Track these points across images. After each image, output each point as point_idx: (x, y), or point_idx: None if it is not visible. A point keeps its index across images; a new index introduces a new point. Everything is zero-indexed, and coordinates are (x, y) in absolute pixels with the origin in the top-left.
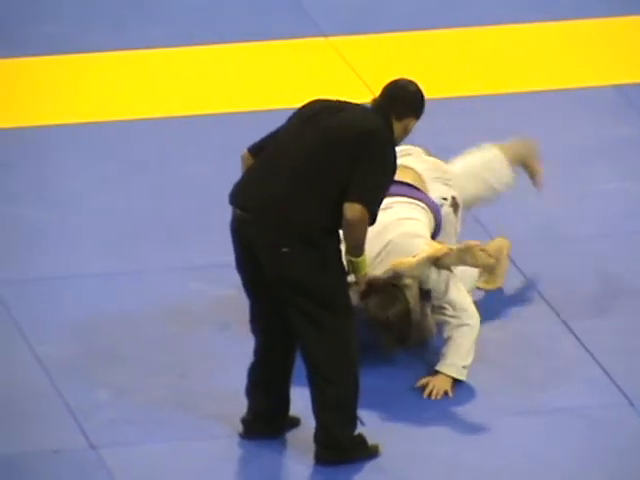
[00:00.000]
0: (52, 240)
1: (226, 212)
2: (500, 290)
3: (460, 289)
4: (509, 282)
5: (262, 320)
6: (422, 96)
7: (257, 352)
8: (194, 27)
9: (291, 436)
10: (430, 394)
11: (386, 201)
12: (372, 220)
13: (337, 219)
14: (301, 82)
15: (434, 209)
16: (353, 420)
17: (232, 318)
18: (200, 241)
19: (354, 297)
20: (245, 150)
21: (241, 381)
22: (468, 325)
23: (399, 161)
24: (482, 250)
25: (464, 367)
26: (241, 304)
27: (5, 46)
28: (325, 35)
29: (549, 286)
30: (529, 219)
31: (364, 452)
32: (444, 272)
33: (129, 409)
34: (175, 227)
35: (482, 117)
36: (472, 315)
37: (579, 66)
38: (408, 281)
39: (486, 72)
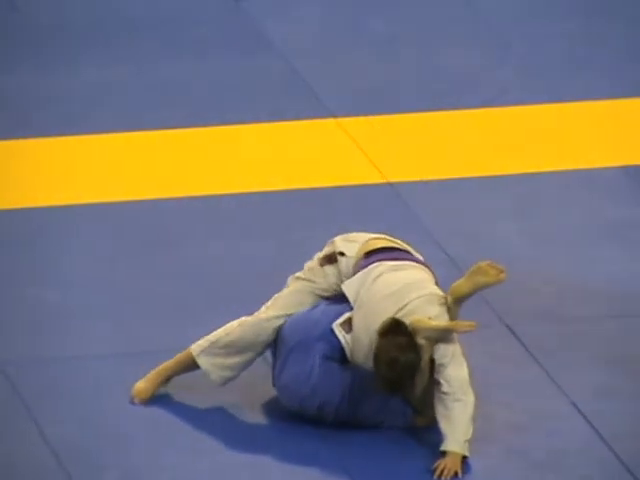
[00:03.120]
0: (62, 320)
1: (235, 293)
2: (506, 367)
3: (461, 364)
4: (516, 360)
5: None
6: None
7: None
8: (203, 108)
9: None
10: (441, 474)
11: (394, 263)
12: None
13: None
14: (310, 163)
15: (430, 268)
16: None
17: (240, 399)
18: (208, 321)
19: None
20: None
21: (252, 457)
22: (461, 401)
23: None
24: (491, 266)
25: (466, 441)
26: (248, 385)
27: (12, 127)
28: (334, 116)
29: (557, 366)
30: (535, 298)
31: None
32: (451, 346)
33: None
34: (183, 308)
35: (490, 197)
36: (466, 392)
37: (584, 147)
38: (421, 341)
39: (495, 153)
